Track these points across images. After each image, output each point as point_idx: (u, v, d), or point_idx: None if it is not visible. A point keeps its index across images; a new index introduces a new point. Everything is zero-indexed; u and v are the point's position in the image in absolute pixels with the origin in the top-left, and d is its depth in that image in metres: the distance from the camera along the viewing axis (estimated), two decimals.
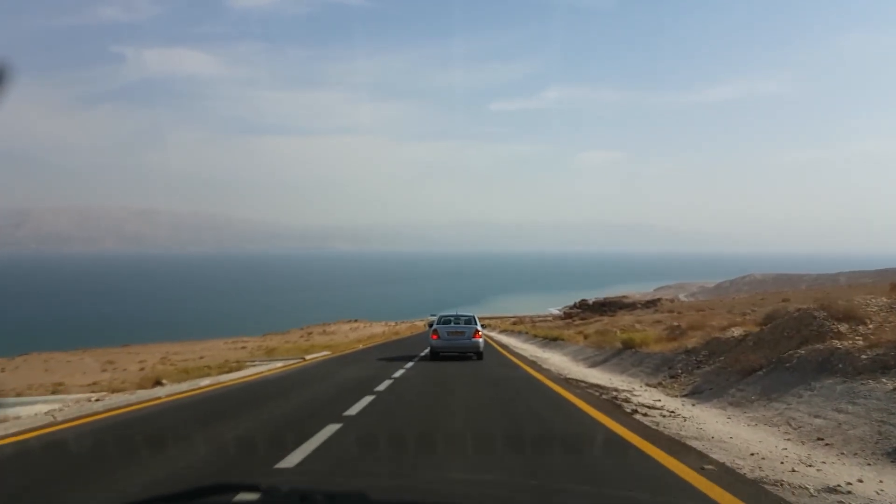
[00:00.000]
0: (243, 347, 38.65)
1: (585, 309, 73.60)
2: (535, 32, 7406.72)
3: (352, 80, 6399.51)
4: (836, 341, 8.78)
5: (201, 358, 28.60)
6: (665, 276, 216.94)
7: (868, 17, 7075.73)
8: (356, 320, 78.71)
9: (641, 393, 10.85)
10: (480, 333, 18.72)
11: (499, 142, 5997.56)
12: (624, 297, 79.36)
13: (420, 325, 70.93)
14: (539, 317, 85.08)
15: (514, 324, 58.32)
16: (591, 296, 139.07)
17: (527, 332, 37.49)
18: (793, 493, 4.59)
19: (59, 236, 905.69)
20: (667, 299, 72.08)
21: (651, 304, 65.01)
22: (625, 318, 38.56)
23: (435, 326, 18.83)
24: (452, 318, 19.31)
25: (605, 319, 42.17)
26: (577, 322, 46.27)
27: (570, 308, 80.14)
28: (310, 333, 53.93)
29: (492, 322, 65.94)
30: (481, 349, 18.33)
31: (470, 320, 19.07)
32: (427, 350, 19.44)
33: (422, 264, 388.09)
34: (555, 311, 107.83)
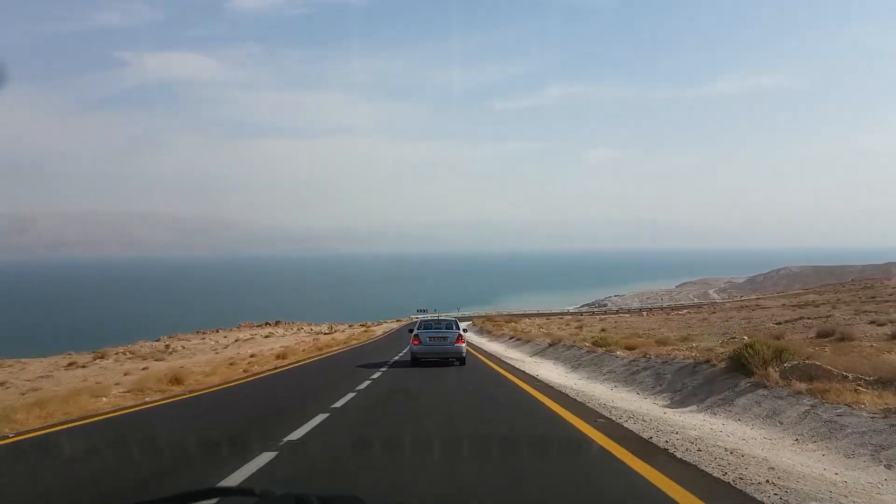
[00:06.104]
0: None
1: None
2: (536, 29, 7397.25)
3: (351, 81, 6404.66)
4: None
5: None
6: (683, 272, 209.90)
7: (872, 8, 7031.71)
8: (291, 322, 65.21)
9: None
10: (463, 339, 18.25)
11: (503, 140, 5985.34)
12: None
13: (378, 330, 54.44)
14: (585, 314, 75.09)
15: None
16: (609, 293, 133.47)
17: None
18: None
19: (64, 241, 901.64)
20: None
21: None
22: None
23: (416, 332, 18.36)
24: (434, 323, 19.33)
25: None
26: None
27: None
28: (103, 353, 37.82)
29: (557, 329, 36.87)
30: (464, 354, 18.04)
31: (451, 325, 18.94)
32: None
33: (426, 264, 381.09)
34: (571, 309, 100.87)
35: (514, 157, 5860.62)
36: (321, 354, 26.69)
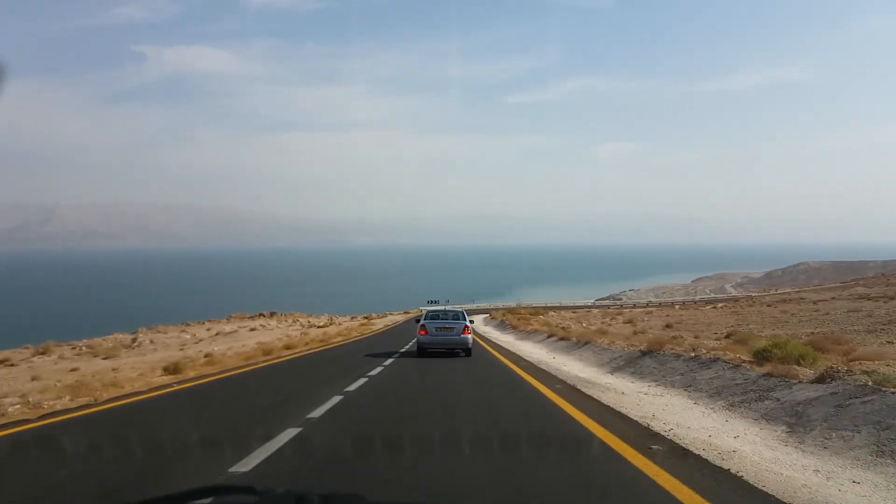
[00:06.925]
0: None
1: None
2: (551, 24, 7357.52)
3: (369, 75, 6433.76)
4: None
5: None
6: (695, 267, 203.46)
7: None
8: (287, 314, 60.00)
9: None
10: (469, 329, 18.34)
11: (517, 134, 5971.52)
12: None
13: (379, 323, 51.02)
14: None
15: None
16: (622, 287, 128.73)
17: None
18: None
19: (85, 232, 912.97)
20: None
21: None
22: None
23: (422, 322, 18.54)
24: (440, 314, 19.36)
25: None
26: None
27: None
28: None
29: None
30: (470, 345, 18.16)
31: (458, 315, 18.98)
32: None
33: (440, 257, 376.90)
34: (589, 302, 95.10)
35: (530, 152, 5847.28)
36: (267, 360, 17.38)
